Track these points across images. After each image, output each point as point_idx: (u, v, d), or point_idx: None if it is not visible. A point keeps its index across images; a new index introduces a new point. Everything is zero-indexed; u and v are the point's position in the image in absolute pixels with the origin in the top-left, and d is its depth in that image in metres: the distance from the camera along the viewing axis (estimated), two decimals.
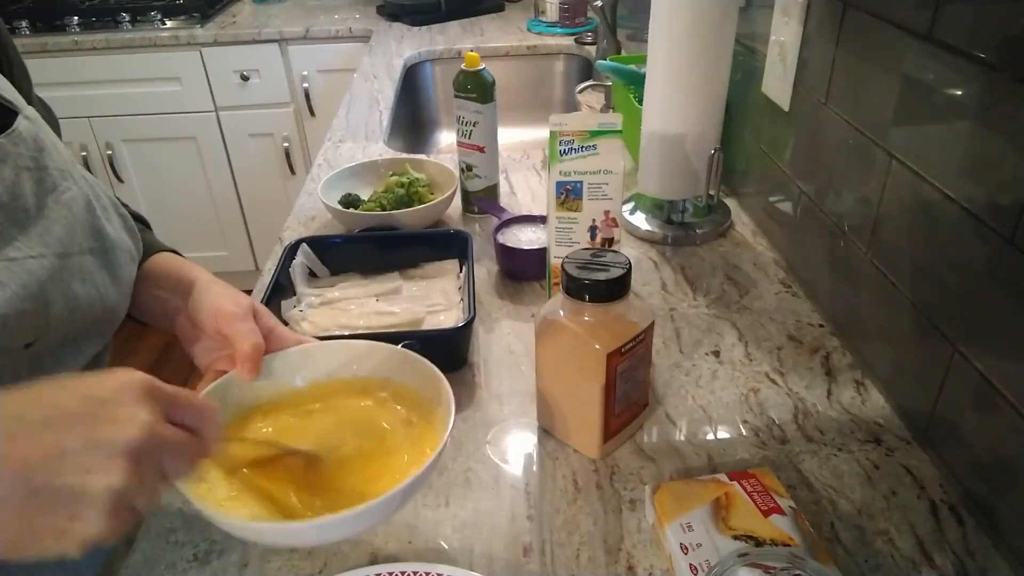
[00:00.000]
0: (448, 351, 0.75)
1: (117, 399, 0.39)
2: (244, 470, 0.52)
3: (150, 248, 0.69)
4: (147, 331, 2.78)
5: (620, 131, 0.74)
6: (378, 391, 0.58)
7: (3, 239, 0.52)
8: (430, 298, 0.83)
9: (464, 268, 0.86)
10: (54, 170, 0.57)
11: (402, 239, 0.93)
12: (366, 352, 0.59)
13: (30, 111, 0.57)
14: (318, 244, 0.87)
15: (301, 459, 0.53)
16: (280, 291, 0.82)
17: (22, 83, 0.63)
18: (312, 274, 0.87)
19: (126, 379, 0.40)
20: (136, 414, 0.38)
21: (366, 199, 1.04)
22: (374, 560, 0.58)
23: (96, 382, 0.39)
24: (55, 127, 0.65)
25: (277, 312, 0.80)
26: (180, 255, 0.71)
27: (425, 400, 0.56)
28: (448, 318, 0.80)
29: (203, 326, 0.59)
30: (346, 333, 0.75)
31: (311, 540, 0.53)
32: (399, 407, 0.57)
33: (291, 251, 0.86)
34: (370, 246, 0.90)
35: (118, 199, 0.65)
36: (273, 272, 0.83)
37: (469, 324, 0.74)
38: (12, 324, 0.52)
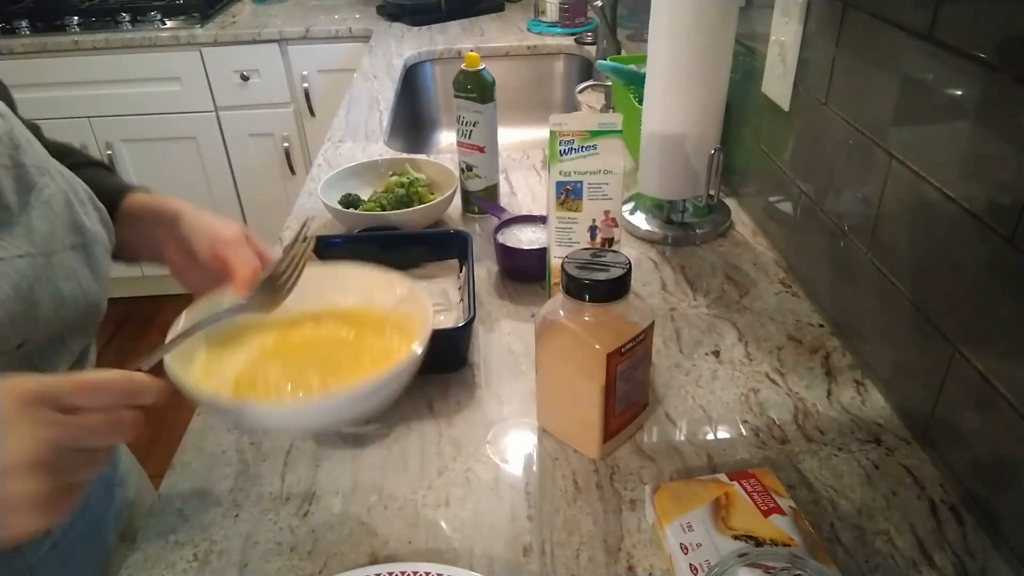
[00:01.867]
0: (448, 351, 0.75)
1: (6, 420, 0.39)
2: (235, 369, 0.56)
3: (122, 189, 0.69)
4: (147, 331, 2.77)
5: (620, 131, 0.74)
6: (364, 318, 0.61)
7: None
8: (430, 298, 0.82)
9: (464, 268, 0.86)
10: (32, 167, 0.56)
11: (402, 239, 0.93)
12: (351, 275, 0.63)
13: (2, 107, 0.56)
14: (318, 244, 0.86)
15: (290, 363, 0.56)
16: None
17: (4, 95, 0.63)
18: None
19: (6, 400, 0.40)
20: (26, 435, 0.39)
21: (366, 199, 1.04)
22: (374, 560, 0.58)
23: None
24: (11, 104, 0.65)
25: None
26: (151, 192, 0.71)
27: (409, 320, 0.58)
28: (448, 318, 0.80)
29: (198, 253, 0.62)
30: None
31: (303, 421, 0.55)
32: (384, 327, 0.60)
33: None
34: (370, 246, 0.90)
35: (89, 189, 0.64)
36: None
37: (469, 324, 0.74)
38: (6, 327, 0.51)
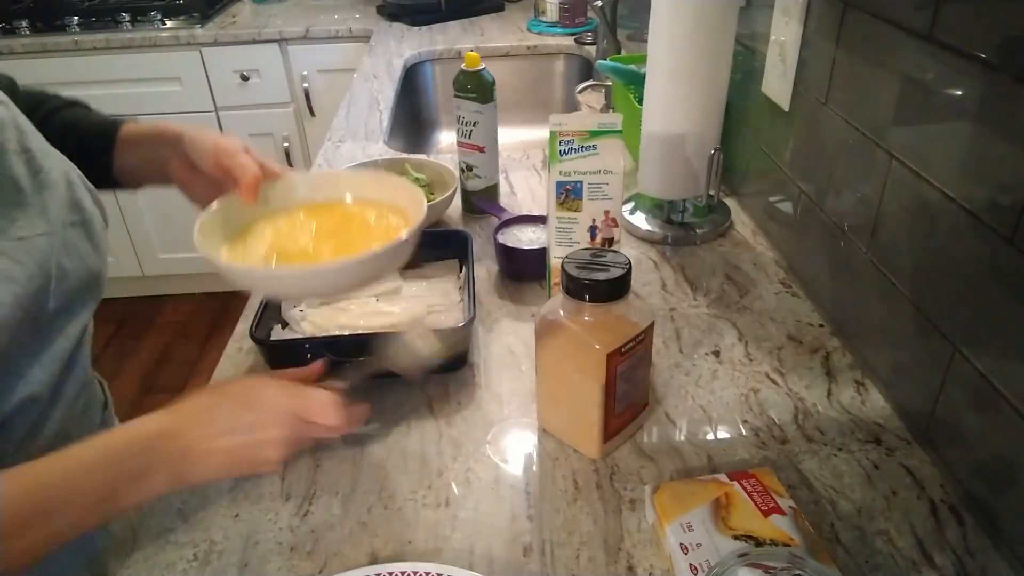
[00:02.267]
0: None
1: (265, 411, 0.56)
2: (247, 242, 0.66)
3: (115, 121, 0.74)
4: (147, 331, 2.76)
5: (620, 131, 0.74)
6: (362, 209, 0.69)
7: (8, 220, 0.55)
8: (430, 298, 0.83)
9: (464, 268, 0.86)
10: (37, 151, 0.60)
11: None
12: (349, 177, 0.74)
13: (1, 95, 0.59)
14: None
15: (305, 242, 0.66)
16: None
17: None
18: None
19: (269, 394, 0.57)
20: (275, 431, 0.55)
21: None
22: (374, 560, 0.58)
23: (248, 396, 0.57)
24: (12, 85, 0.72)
25: (277, 312, 0.81)
26: (136, 121, 0.76)
27: (404, 209, 0.66)
28: (448, 318, 0.80)
29: (202, 164, 0.68)
30: (346, 333, 0.76)
31: (304, 286, 0.63)
32: (381, 213, 0.69)
33: None
34: None
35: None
36: None
37: (469, 324, 0.74)
38: (30, 300, 0.56)
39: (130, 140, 0.73)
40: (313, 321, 0.79)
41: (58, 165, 0.62)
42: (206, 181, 0.68)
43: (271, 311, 0.79)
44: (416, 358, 0.63)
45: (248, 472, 0.60)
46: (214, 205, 0.64)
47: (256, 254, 0.64)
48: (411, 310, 0.80)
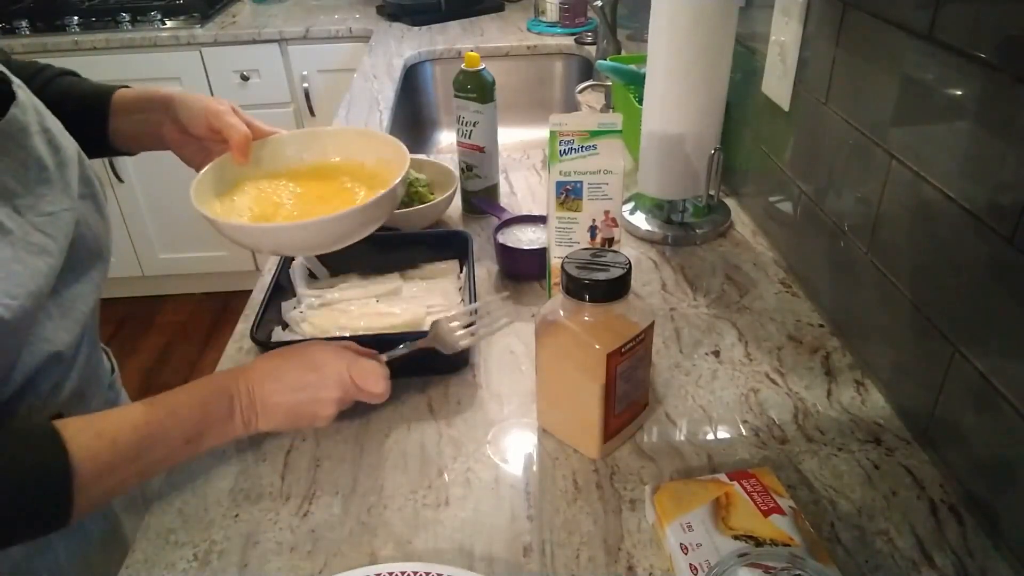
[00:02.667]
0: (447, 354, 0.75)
1: (326, 373, 0.63)
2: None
3: (108, 88, 0.77)
4: (147, 331, 2.76)
5: (620, 131, 0.74)
6: (348, 172, 0.74)
7: (36, 197, 0.58)
8: (430, 299, 0.83)
9: (464, 269, 0.86)
10: (55, 131, 0.63)
11: (402, 240, 0.93)
12: (336, 134, 0.79)
13: (16, 79, 0.61)
14: None
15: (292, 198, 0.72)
16: (280, 292, 0.83)
17: None
18: (311, 275, 0.87)
19: (329, 358, 0.64)
20: (333, 392, 0.63)
21: None
22: (374, 560, 0.58)
23: (312, 359, 0.63)
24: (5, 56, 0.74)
25: (277, 313, 0.81)
26: (129, 87, 0.79)
27: (390, 167, 0.71)
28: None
29: (194, 127, 0.72)
30: (346, 334, 0.76)
31: (293, 239, 0.67)
32: (365, 177, 0.73)
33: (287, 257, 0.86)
34: (369, 247, 0.88)
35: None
36: (273, 274, 0.84)
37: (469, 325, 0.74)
38: (55, 272, 0.59)
39: (123, 106, 0.76)
40: (313, 323, 0.79)
41: (71, 142, 0.65)
42: (198, 143, 0.72)
43: (272, 312, 0.79)
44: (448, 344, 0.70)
45: (305, 425, 0.66)
46: (209, 165, 0.69)
47: (244, 209, 0.69)
48: (411, 311, 0.80)
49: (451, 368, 0.77)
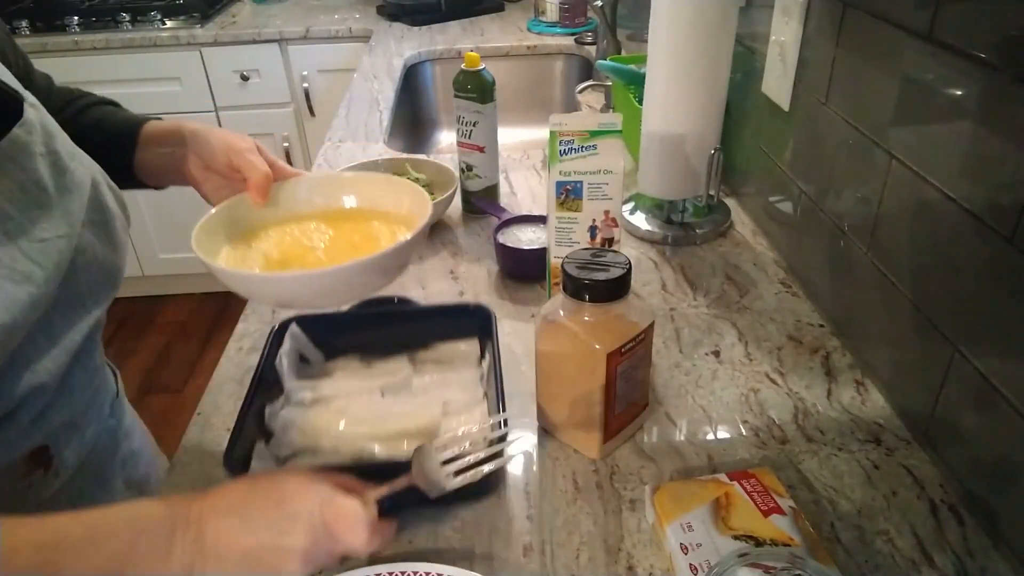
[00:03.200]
0: (478, 485, 0.57)
1: (293, 512, 0.49)
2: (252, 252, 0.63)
3: (139, 120, 0.75)
4: (147, 331, 2.75)
5: (620, 131, 0.74)
6: (370, 217, 0.66)
7: (32, 222, 0.56)
8: (446, 391, 0.69)
9: (487, 355, 0.71)
10: (63, 153, 0.60)
11: (411, 314, 0.77)
12: (359, 180, 0.70)
13: (31, 97, 0.59)
14: (311, 323, 0.73)
15: (307, 247, 0.63)
16: (266, 388, 0.67)
17: (18, 62, 0.68)
18: (303, 359, 0.73)
19: (300, 492, 0.50)
20: (299, 539, 0.49)
21: None
22: (374, 560, 0.58)
23: (281, 491, 0.51)
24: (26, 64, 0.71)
25: (258, 421, 0.65)
26: (161, 120, 0.76)
27: (412, 218, 0.62)
28: (470, 420, 0.66)
29: (215, 163, 0.68)
30: (346, 460, 0.62)
31: (296, 291, 0.58)
32: (388, 224, 0.64)
33: (278, 335, 0.72)
34: (372, 322, 0.76)
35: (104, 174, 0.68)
36: (257, 365, 0.68)
37: (501, 440, 0.59)
38: (42, 302, 0.56)
39: (150, 138, 0.74)
40: (304, 429, 0.65)
41: (84, 166, 0.63)
42: (219, 180, 0.69)
43: (250, 421, 0.63)
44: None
45: None
46: (219, 205, 0.64)
47: (256, 258, 0.61)
48: (425, 412, 0.66)
49: (479, 494, 0.63)
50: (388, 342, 0.73)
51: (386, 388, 0.69)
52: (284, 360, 0.70)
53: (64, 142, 0.61)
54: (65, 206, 0.59)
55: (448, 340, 0.74)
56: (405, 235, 0.59)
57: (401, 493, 0.53)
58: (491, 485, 0.62)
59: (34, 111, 0.59)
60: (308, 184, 0.68)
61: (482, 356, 0.73)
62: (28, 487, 0.62)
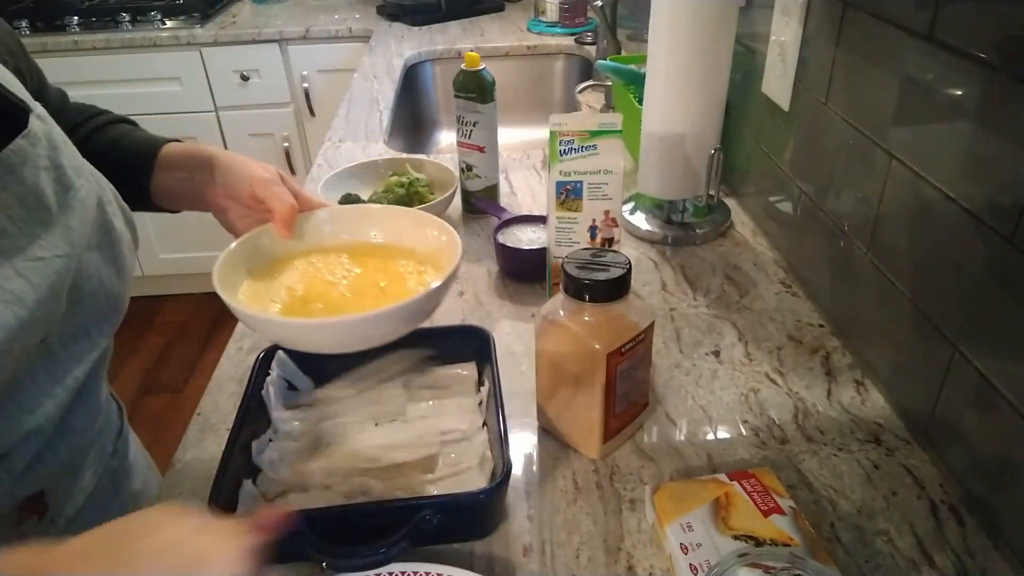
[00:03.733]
0: (476, 520, 0.59)
1: (152, 546, 0.43)
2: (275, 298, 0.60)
3: (158, 142, 0.72)
4: (147, 331, 2.75)
5: (620, 131, 0.74)
6: (396, 254, 0.64)
7: (29, 238, 0.53)
8: (444, 420, 0.66)
9: (486, 382, 0.68)
10: (69, 168, 0.57)
11: (404, 338, 0.68)
12: (383, 214, 0.67)
13: (39, 109, 0.57)
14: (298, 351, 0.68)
15: (327, 290, 0.61)
16: (252, 420, 0.64)
17: (32, 75, 0.66)
18: (290, 387, 0.70)
19: (164, 522, 0.44)
20: (156, 569, 0.42)
21: (366, 199, 1.04)
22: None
23: (145, 522, 0.45)
24: (39, 75, 0.68)
25: (245, 458, 0.62)
26: (183, 142, 0.73)
27: (439, 256, 0.61)
28: (470, 451, 0.64)
29: (237, 193, 0.66)
30: (342, 501, 0.59)
31: (312, 339, 0.56)
32: (415, 262, 0.63)
33: (264, 363, 0.69)
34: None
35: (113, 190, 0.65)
36: (242, 396, 0.65)
37: (503, 483, 0.57)
38: (37, 325, 0.52)
39: (168, 162, 0.71)
40: (294, 465, 0.62)
41: (92, 184, 0.60)
42: (242, 209, 0.67)
43: (236, 458, 0.60)
44: None
45: None
46: (241, 237, 0.62)
47: (279, 292, 0.59)
48: (422, 445, 0.64)
49: (478, 534, 0.60)
50: (381, 366, 0.69)
51: (380, 417, 0.67)
52: (271, 389, 0.67)
53: (71, 157, 0.58)
54: (67, 223, 0.56)
55: (444, 364, 0.71)
56: (436, 280, 0.56)
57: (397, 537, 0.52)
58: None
59: (40, 123, 0.56)
60: (333, 216, 0.66)
61: (480, 381, 0.70)
62: (20, 536, 0.56)
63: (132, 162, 0.70)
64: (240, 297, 0.58)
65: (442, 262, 0.60)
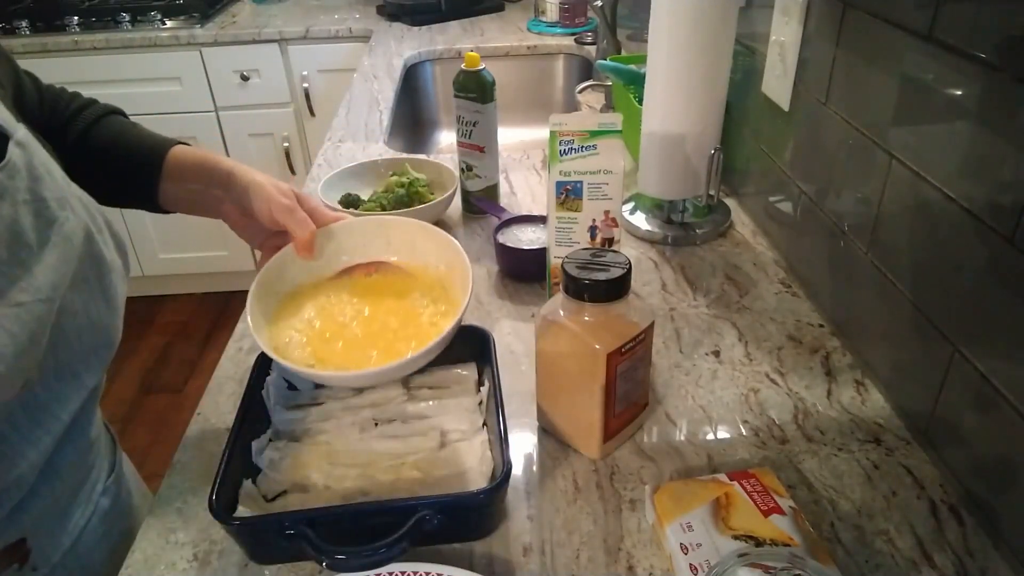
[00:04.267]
0: (476, 520, 0.59)
1: None
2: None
3: (160, 146, 0.69)
4: (147, 331, 2.75)
5: (620, 131, 0.74)
6: (413, 277, 0.67)
7: (8, 280, 0.49)
8: (444, 421, 0.66)
9: (486, 382, 0.68)
10: (52, 200, 0.52)
11: None
12: (400, 226, 0.69)
13: (21, 133, 0.52)
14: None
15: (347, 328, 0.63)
16: (251, 420, 0.63)
17: (4, 70, 0.62)
18: (290, 387, 0.70)
19: None
20: None
21: (366, 199, 1.04)
22: None
23: None
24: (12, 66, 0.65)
25: (245, 459, 0.62)
26: (187, 144, 0.71)
27: (451, 284, 0.64)
28: (469, 451, 0.64)
29: (257, 216, 0.65)
30: (341, 501, 0.60)
31: (358, 383, 0.65)
32: (432, 297, 0.65)
33: (265, 362, 0.68)
34: None
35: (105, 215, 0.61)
36: (242, 397, 0.65)
37: (504, 482, 0.57)
38: (16, 374, 0.49)
39: (178, 172, 0.69)
40: (294, 465, 0.63)
41: (78, 214, 0.55)
42: (259, 227, 0.67)
43: (236, 458, 0.59)
44: None
45: None
46: (264, 270, 0.64)
47: (307, 324, 0.63)
48: (421, 442, 0.64)
49: (477, 535, 0.60)
50: None
51: (379, 416, 0.67)
52: (271, 389, 0.67)
53: (54, 186, 0.53)
54: (48, 263, 0.51)
55: (444, 364, 0.70)
56: (449, 322, 0.59)
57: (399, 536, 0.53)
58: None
59: (21, 151, 0.51)
60: (349, 231, 0.68)
61: (480, 381, 0.70)
62: None
63: (138, 167, 0.68)
64: (266, 329, 0.62)
65: (455, 279, 0.63)
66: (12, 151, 0.50)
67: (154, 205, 0.70)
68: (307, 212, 0.65)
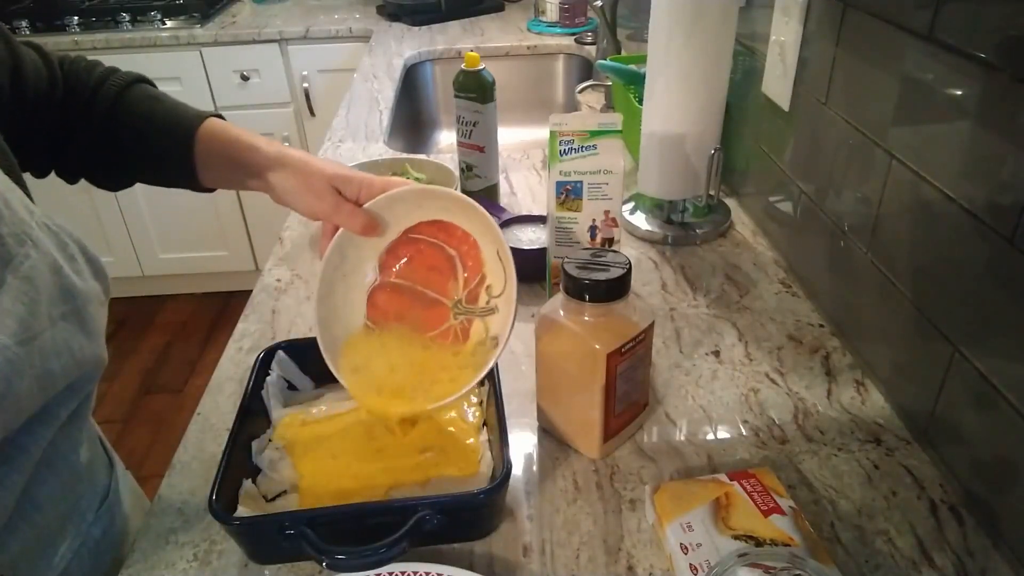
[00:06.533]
0: (476, 520, 0.59)
1: None
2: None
3: (191, 125, 0.67)
4: (147, 331, 2.75)
5: (620, 131, 0.74)
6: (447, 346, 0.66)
7: None
8: (444, 420, 0.66)
9: (486, 382, 0.67)
10: (8, 237, 0.46)
11: None
12: (441, 197, 0.65)
13: None
14: (299, 349, 0.70)
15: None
16: (251, 418, 0.63)
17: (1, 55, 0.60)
18: (290, 386, 0.70)
19: None
20: None
21: None
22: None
23: None
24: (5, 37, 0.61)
25: (245, 456, 0.62)
26: (222, 117, 0.70)
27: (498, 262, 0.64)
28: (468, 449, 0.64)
29: (303, 213, 0.66)
30: (337, 503, 0.58)
31: None
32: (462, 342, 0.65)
33: (265, 362, 0.68)
34: None
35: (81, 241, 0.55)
36: (242, 396, 0.65)
37: (503, 483, 0.56)
38: None
39: (208, 155, 0.67)
40: (295, 463, 0.62)
41: (41, 247, 0.49)
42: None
43: (236, 458, 0.59)
44: None
45: None
46: (325, 261, 0.64)
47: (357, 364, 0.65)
48: (422, 443, 0.64)
49: (477, 535, 0.60)
50: None
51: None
52: (271, 389, 0.67)
53: (12, 220, 0.47)
54: (4, 308, 0.45)
55: None
56: (477, 374, 0.60)
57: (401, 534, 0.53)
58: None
59: None
60: (399, 200, 0.64)
61: (480, 382, 0.66)
62: None
63: (171, 149, 0.67)
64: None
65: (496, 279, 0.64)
66: None
67: (199, 186, 0.70)
68: (354, 193, 0.63)
